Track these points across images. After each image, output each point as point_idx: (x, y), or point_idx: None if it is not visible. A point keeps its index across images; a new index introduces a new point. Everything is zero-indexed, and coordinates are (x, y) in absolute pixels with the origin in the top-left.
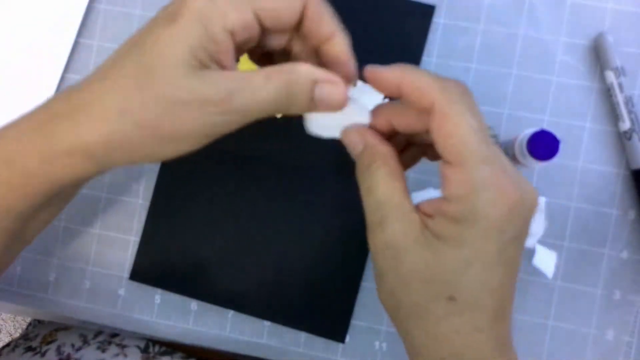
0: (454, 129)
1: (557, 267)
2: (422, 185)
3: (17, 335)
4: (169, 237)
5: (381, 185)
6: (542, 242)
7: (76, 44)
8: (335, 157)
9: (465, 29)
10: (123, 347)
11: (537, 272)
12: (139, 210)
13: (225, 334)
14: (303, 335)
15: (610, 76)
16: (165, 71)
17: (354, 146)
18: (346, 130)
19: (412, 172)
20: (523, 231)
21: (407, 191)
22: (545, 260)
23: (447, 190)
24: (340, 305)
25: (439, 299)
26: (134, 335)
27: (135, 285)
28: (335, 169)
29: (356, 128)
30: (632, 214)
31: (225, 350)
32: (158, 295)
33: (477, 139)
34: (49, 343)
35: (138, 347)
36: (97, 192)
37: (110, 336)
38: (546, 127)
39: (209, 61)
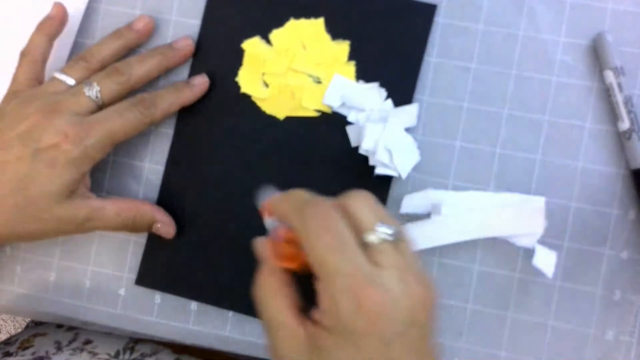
0: (309, 250)
1: (557, 267)
2: (421, 186)
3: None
4: (175, 241)
5: (268, 306)
6: (542, 242)
7: (76, 44)
8: (338, 156)
9: (465, 29)
10: (94, 354)
11: (537, 272)
12: None
13: (225, 334)
14: None
15: (610, 76)
16: (42, 202)
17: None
18: (255, 241)
19: (412, 172)
20: (406, 329)
21: (295, 305)
22: (545, 260)
23: (319, 303)
24: None
25: None
26: (123, 335)
27: (134, 284)
28: (338, 170)
29: (260, 240)
30: (632, 214)
31: (225, 350)
32: (158, 295)
33: (332, 256)
34: (25, 349)
35: (108, 354)
36: (97, 192)
37: (83, 343)
38: (546, 127)
39: (76, 186)
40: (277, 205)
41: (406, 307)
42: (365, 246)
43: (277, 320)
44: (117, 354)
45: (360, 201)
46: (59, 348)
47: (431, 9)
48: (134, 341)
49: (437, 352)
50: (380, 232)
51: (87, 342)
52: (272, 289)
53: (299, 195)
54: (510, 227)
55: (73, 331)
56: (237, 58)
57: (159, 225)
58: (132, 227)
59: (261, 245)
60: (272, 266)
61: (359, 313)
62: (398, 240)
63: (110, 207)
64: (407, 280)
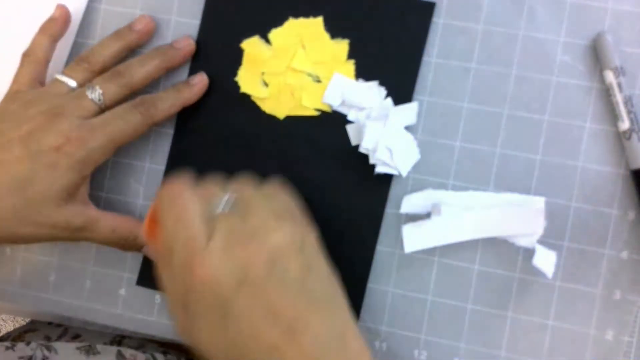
0: (161, 226)
1: (557, 267)
2: (421, 186)
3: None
4: None
5: (162, 286)
6: (542, 242)
7: (76, 44)
8: (338, 155)
9: (464, 29)
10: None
11: (537, 272)
12: (139, 210)
13: None
14: None
15: (610, 76)
16: (40, 205)
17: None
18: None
19: (412, 173)
20: (237, 290)
21: None
22: (545, 260)
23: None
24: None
25: None
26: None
27: (136, 285)
28: (338, 169)
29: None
30: (632, 214)
31: None
32: (158, 295)
33: (172, 231)
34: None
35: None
36: (97, 192)
37: (72, 337)
38: (546, 127)
39: (76, 190)
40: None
41: (230, 270)
42: (210, 219)
43: (164, 289)
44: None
45: (232, 181)
46: (47, 338)
47: (430, 7)
48: (121, 336)
49: (324, 292)
50: (218, 204)
51: (76, 336)
52: (158, 263)
53: (169, 180)
54: (510, 227)
55: (62, 327)
56: (236, 58)
57: (148, 248)
58: (123, 246)
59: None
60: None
61: (189, 285)
62: (247, 206)
63: (106, 222)
64: (234, 244)
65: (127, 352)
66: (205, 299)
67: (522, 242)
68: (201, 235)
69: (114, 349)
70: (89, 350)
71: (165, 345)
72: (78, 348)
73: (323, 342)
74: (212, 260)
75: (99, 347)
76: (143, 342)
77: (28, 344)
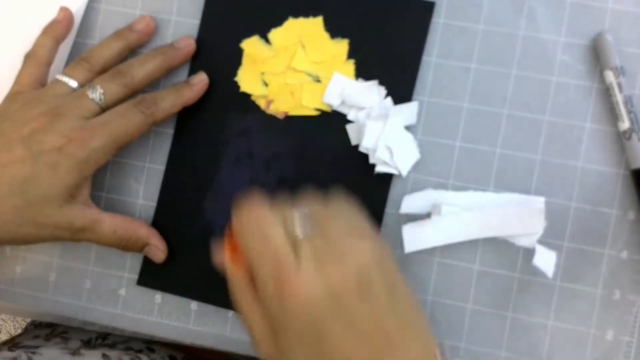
0: (243, 247)
1: (557, 267)
2: (421, 186)
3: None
4: (176, 241)
5: (244, 316)
6: (542, 242)
7: (76, 44)
8: (338, 155)
9: (464, 28)
10: (67, 339)
11: (537, 272)
12: (139, 210)
13: (225, 334)
14: None
15: (610, 76)
16: (42, 205)
17: (219, 266)
18: (213, 250)
19: (412, 172)
20: (331, 309)
21: (261, 311)
22: (545, 260)
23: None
24: None
25: None
26: (123, 334)
27: (136, 284)
28: (338, 169)
29: (216, 249)
30: (632, 214)
31: (225, 350)
32: (158, 295)
33: (257, 251)
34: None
35: (81, 340)
36: (97, 192)
37: (60, 332)
38: (546, 127)
39: (78, 191)
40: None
41: (323, 290)
42: (293, 242)
43: (254, 330)
44: (88, 341)
45: (301, 203)
46: (35, 337)
47: (430, 7)
48: (107, 333)
49: (407, 312)
50: (296, 224)
51: (64, 332)
52: (245, 301)
53: (243, 202)
54: (510, 227)
55: (51, 327)
56: (236, 57)
57: (150, 248)
58: (124, 247)
59: (218, 256)
60: (239, 279)
61: (282, 304)
62: (323, 223)
63: (107, 223)
64: (324, 266)
65: (112, 352)
66: (299, 322)
67: (522, 242)
68: (290, 258)
69: (97, 352)
70: (75, 352)
71: (149, 342)
72: (62, 349)
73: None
74: (305, 282)
75: (84, 351)
76: (127, 338)
77: (11, 349)
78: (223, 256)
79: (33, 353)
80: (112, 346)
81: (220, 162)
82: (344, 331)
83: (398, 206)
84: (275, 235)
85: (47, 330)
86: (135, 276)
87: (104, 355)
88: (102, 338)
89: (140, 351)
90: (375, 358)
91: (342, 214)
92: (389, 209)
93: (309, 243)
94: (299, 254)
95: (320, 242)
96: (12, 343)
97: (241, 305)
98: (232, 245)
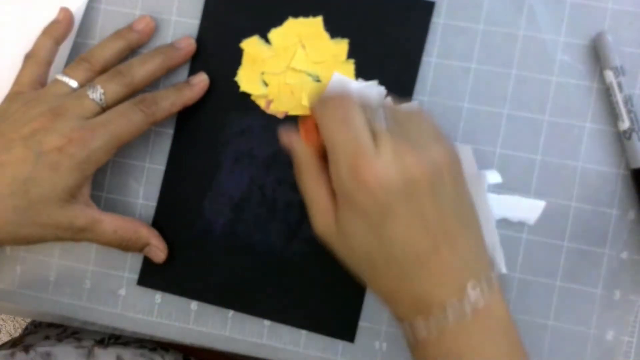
0: (322, 128)
1: (557, 267)
2: None
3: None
4: (176, 241)
5: (308, 188)
6: (542, 241)
7: (76, 44)
8: None
9: (464, 29)
10: (80, 339)
11: (537, 272)
12: (139, 210)
13: (225, 334)
14: (303, 335)
15: (610, 75)
16: (42, 206)
17: (287, 146)
18: (280, 132)
19: None
20: (403, 199)
21: (329, 188)
22: (530, 210)
23: (331, 176)
24: (348, 303)
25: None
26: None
27: (136, 285)
28: None
29: (284, 131)
30: (632, 214)
31: (225, 350)
32: (158, 295)
33: (337, 129)
34: (14, 345)
35: (94, 339)
36: (97, 192)
37: (71, 333)
38: (546, 127)
39: (78, 191)
40: (312, 115)
41: (399, 175)
42: (373, 131)
43: (315, 201)
44: (102, 340)
45: (384, 104)
46: (46, 338)
47: (430, 7)
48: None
49: (464, 214)
50: (378, 117)
51: (75, 332)
52: (311, 175)
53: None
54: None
55: (61, 327)
56: (236, 57)
57: (151, 249)
58: (124, 247)
59: (287, 133)
60: (308, 155)
61: (356, 183)
62: (402, 123)
63: (108, 223)
64: (402, 156)
65: (126, 352)
66: (369, 200)
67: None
68: (368, 139)
69: (112, 352)
70: (89, 354)
71: (191, 354)
72: (77, 350)
73: (463, 260)
74: (381, 165)
75: (98, 350)
76: (122, 342)
77: (27, 352)
78: (290, 135)
79: (48, 355)
80: (125, 345)
81: (220, 162)
82: (410, 218)
83: None
84: (357, 116)
85: (58, 329)
86: (135, 276)
87: (118, 357)
88: (115, 337)
89: (154, 350)
90: (431, 248)
91: (420, 118)
92: None
93: (388, 133)
94: (378, 142)
95: (400, 137)
96: (21, 342)
97: (306, 178)
98: (306, 124)
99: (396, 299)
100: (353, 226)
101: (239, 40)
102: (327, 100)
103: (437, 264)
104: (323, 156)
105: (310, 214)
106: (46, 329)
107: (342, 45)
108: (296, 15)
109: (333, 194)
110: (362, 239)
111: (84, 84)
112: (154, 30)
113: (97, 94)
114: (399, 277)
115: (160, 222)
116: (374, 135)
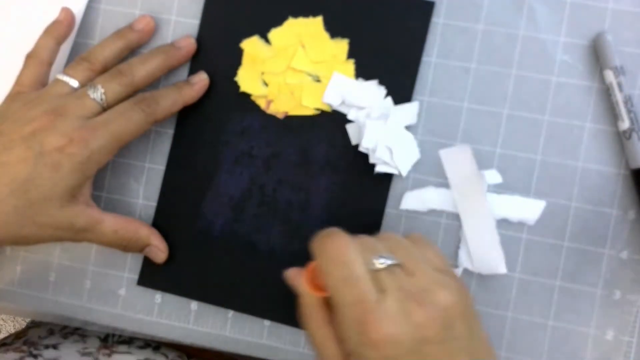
0: (326, 281)
1: (557, 267)
2: (421, 186)
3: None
4: (176, 241)
5: (315, 337)
6: (543, 242)
7: (76, 44)
8: (338, 155)
9: (464, 28)
10: (84, 336)
11: (537, 272)
12: (139, 210)
13: (225, 334)
14: (303, 335)
15: (610, 75)
16: (43, 206)
17: (294, 287)
18: (286, 273)
19: (412, 172)
20: (415, 349)
21: (336, 336)
22: (530, 211)
23: (338, 333)
24: None
25: None
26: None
27: (136, 285)
28: (338, 168)
29: (293, 271)
30: (632, 214)
31: (225, 350)
32: (158, 295)
33: (340, 286)
34: (18, 338)
35: (98, 337)
36: (97, 192)
37: (74, 329)
38: (546, 127)
39: (79, 191)
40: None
41: (408, 331)
42: (375, 273)
43: (324, 354)
44: (105, 337)
45: (381, 236)
46: (51, 333)
47: (429, 7)
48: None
49: (481, 350)
50: (381, 260)
51: (77, 328)
52: (317, 322)
53: (324, 231)
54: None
55: (97, 325)
56: (236, 57)
57: (151, 249)
58: (125, 247)
59: (293, 276)
60: (314, 304)
61: (364, 341)
62: (403, 257)
63: (109, 223)
64: (409, 304)
65: (132, 350)
66: (377, 355)
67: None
68: (372, 293)
69: (119, 353)
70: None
71: (192, 354)
72: (83, 358)
73: None
74: (389, 321)
75: (102, 351)
76: (127, 339)
77: (33, 348)
78: (297, 277)
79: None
80: (129, 343)
81: (220, 162)
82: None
83: (398, 205)
84: (358, 269)
85: (60, 325)
86: (135, 276)
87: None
88: (119, 335)
89: (157, 348)
90: None
91: (423, 252)
92: (389, 209)
93: (392, 279)
94: (381, 286)
95: (404, 279)
96: (24, 336)
97: (312, 325)
98: (311, 268)
99: None
100: None
101: (239, 40)
102: (323, 246)
103: None
104: (328, 302)
105: None
106: (49, 323)
107: (342, 45)
108: (296, 15)
109: (340, 340)
110: None
111: (84, 84)
112: (154, 30)
113: (97, 93)
114: None
115: (160, 222)
116: (376, 280)
